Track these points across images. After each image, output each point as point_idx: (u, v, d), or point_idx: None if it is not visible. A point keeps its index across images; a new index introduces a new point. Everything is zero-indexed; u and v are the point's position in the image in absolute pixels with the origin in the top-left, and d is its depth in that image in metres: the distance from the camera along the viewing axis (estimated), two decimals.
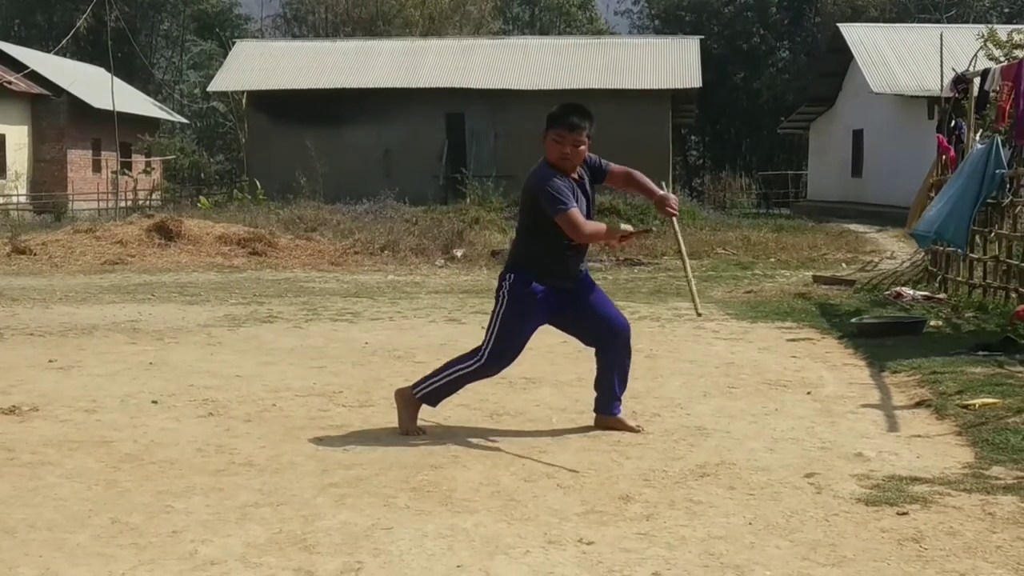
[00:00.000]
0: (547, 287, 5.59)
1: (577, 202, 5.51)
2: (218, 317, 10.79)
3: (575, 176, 5.62)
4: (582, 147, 5.55)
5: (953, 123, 12.38)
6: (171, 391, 6.88)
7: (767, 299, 12.15)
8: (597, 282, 6.12)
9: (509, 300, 5.57)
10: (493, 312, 5.67)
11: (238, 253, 18.03)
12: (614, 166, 5.84)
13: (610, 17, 63.43)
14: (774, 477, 4.81)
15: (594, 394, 5.86)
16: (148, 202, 34.55)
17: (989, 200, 10.30)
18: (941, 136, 12.72)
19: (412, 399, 5.74)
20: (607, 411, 5.79)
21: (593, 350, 5.86)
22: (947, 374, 6.99)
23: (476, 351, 5.66)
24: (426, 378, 5.77)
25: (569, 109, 5.59)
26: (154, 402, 6.56)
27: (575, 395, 6.54)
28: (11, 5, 56.03)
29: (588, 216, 5.60)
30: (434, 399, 5.76)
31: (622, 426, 5.74)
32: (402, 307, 11.50)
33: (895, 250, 19.61)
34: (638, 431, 5.69)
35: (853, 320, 9.65)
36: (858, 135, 32.83)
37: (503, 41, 38.67)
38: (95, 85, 38.74)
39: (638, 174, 5.84)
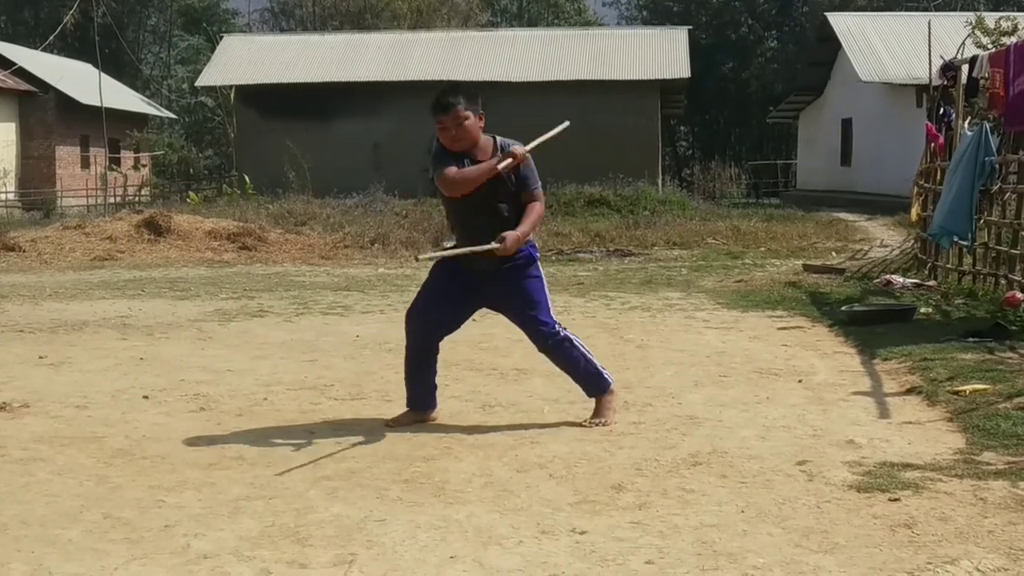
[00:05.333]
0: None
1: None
2: (208, 312, 10.77)
3: (481, 156, 5.48)
4: (466, 122, 5.40)
5: (942, 111, 12.40)
6: (162, 386, 6.87)
7: (757, 288, 12.17)
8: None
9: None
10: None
11: (228, 248, 17.99)
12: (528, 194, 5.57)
13: (598, 8, 63.55)
14: (766, 465, 4.82)
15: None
16: (137, 198, 34.45)
17: (979, 187, 10.31)
18: (930, 124, 12.75)
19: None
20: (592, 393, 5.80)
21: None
22: (938, 361, 7.01)
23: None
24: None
25: (439, 93, 5.49)
26: (145, 397, 6.54)
27: (567, 386, 6.51)
28: None
29: (499, 203, 5.48)
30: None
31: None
32: (393, 300, 11.49)
33: (884, 238, 19.64)
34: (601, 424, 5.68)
35: (843, 308, 9.67)
36: (847, 124, 32.87)
37: (491, 33, 38.64)
38: (83, 81, 38.61)
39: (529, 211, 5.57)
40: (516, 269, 5.59)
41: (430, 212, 22.19)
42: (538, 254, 5.73)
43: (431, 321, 5.67)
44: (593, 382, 5.73)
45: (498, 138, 5.56)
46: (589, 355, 5.74)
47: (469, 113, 5.41)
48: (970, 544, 3.77)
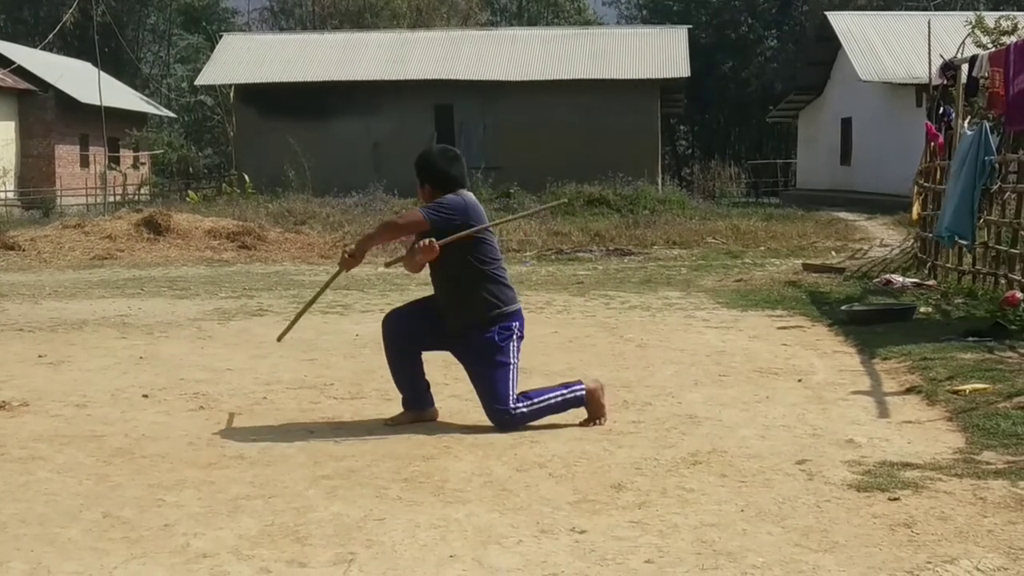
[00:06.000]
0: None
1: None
2: (208, 311, 10.77)
3: None
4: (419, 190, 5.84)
5: (941, 110, 12.40)
6: (161, 385, 6.87)
7: (757, 287, 12.17)
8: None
9: None
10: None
11: (227, 247, 17.99)
12: None
13: (598, 7, 63.45)
14: (766, 464, 4.81)
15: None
16: (137, 197, 34.45)
17: (980, 187, 10.30)
18: (929, 123, 12.75)
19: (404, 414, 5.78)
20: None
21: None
22: (937, 360, 7.01)
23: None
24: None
25: None
26: (145, 396, 6.54)
27: None
28: None
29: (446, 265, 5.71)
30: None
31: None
32: (392, 299, 11.47)
33: (884, 237, 19.64)
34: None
35: (843, 307, 9.67)
36: (847, 123, 32.86)
37: (491, 32, 38.64)
38: (82, 80, 38.60)
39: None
40: (483, 346, 5.54)
41: None
42: (513, 337, 5.60)
43: (399, 333, 5.75)
44: (572, 407, 5.66)
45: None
46: (551, 399, 5.60)
47: (417, 183, 5.82)
48: (969, 543, 3.77)
